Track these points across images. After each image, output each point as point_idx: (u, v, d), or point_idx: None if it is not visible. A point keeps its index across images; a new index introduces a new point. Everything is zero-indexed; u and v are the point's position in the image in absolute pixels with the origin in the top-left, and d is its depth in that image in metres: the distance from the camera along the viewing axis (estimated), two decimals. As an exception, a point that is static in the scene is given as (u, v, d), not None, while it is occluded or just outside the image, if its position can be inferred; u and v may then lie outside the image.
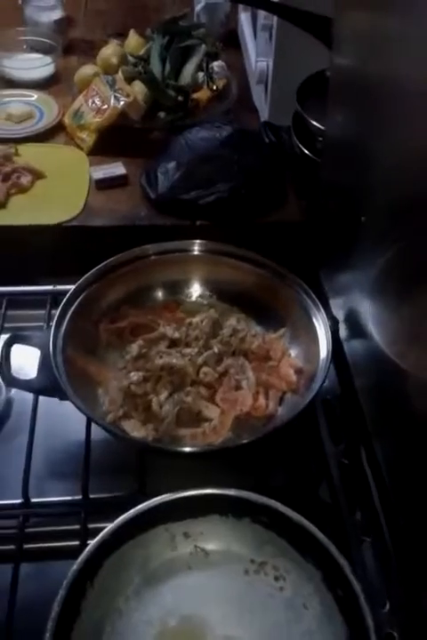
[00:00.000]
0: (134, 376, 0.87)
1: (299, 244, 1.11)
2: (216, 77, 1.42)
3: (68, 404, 0.82)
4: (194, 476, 0.76)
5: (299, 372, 0.91)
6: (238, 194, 1.15)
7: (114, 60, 1.41)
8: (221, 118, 1.30)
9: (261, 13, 1.30)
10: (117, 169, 1.23)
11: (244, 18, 1.57)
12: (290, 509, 0.70)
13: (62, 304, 0.91)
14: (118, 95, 1.29)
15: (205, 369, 0.90)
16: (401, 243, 0.73)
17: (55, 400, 0.84)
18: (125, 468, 0.83)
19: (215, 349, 0.92)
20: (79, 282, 0.94)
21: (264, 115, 1.35)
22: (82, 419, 0.84)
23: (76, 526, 0.78)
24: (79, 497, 0.80)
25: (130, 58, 1.42)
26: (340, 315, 0.95)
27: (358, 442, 0.86)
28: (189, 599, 0.69)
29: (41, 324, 0.99)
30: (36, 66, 1.48)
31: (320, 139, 1.11)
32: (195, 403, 0.86)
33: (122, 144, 1.29)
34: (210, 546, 0.73)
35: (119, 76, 1.35)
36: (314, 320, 0.92)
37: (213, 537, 0.73)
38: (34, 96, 1.42)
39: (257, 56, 1.36)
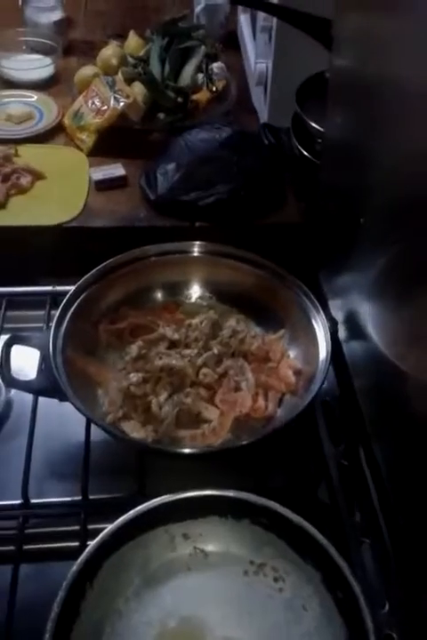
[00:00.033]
0: (134, 377, 0.87)
1: (298, 245, 1.11)
2: (216, 79, 1.42)
3: (67, 405, 0.82)
4: (193, 478, 0.77)
5: (298, 373, 0.91)
6: (238, 195, 1.15)
7: (114, 61, 1.42)
8: (220, 120, 1.31)
9: (261, 15, 1.31)
10: (117, 170, 1.23)
11: (243, 19, 1.58)
12: (289, 511, 0.70)
13: (62, 305, 0.91)
14: (118, 96, 1.29)
15: (204, 370, 0.90)
16: (400, 244, 0.74)
17: (55, 401, 0.84)
18: (125, 469, 0.83)
19: (215, 351, 0.92)
20: (79, 283, 0.94)
21: (263, 116, 1.35)
22: (81, 420, 0.84)
23: (76, 527, 0.78)
24: (79, 498, 0.80)
25: (130, 59, 1.42)
26: (339, 316, 0.95)
27: (358, 443, 0.86)
28: (188, 600, 0.69)
29: (41, 324, 0.99)
30: (36, 67, 1.49)
31: (320, 140, 1.11)
32: (194, 404, 0.87)
33: (121, 145, 1.29)
34: (209, 547, 0.73)
35: (119, 77, 1.36)
36: (313, 321, 0.92)
37: (213, 538, 0.73)
38: (34, 97, 1.42)
39: (256, 57, 1.36)
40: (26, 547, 0.77)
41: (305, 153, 1.16)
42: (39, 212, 1.15)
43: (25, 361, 0.90)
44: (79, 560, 0.66)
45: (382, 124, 0.77)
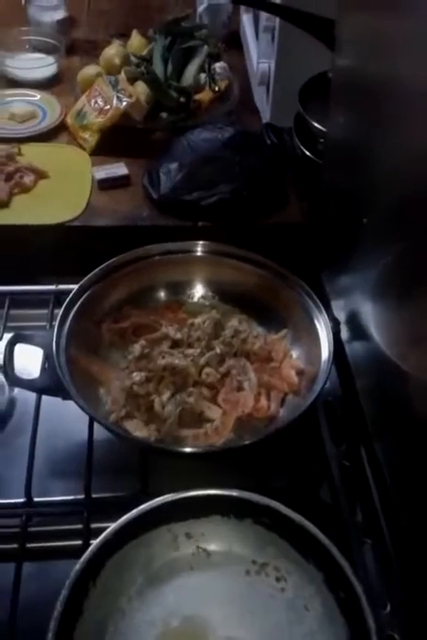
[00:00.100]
0: (137, 376, 0.87)
1: (301, 245, 1.11)
2: (218, 78, 1.42)
3: (70, 404, 0.82)
4: (196, 477, 0.77)
5: (300, 373, 0.91)
6: (240, 195, 1.15)
7: (116, 61, 1.42)
8: (222, 119, 1.31)
9: (264, 15, 1.30)
10: (120, 169, 1.23)
11: (246, 19, 1.58)
12: (292, 511, 0.71)
13: (65, 304, 0.92)
14: (121, 95, 1.30)
15: (207, 370, 0.90)
16: (403, 244, 0.74)
17: (58, 399, 0.85)
18: (128, 468, 0.83)
19: (217, 350, 0.92)
20: (82, 282, 0.95)
21: (266, 116, 1.35)
22: (84, 418, 0.84)
23: (79, 526, 0.78)
24: (82, 496, 0.80)
25: (132, 58, 1.42)
26: (341, 316, 0.95)
27: (359, 443, 0.86)
28: (191, 600, 0.70)
29: (44, 323, 1.00)
30: (39, 66, 1.49)
31: (322, 140, 1.11)
32: (197, 403, 0.87)
33: (124, 144, 1.29)
34: (212, 546, 0.73)
35: (122, 76, 1.36)
36: (316, 322, 0.92)
37: (215, 537, 0.73)
38: (37, 96, 1.42)
39: (259, 57, 1.36)
40: (29, 545, 0.77)
41: (307, 153, 1.16)
42: (42, 210, 1.15)
43: (28, 359, 0.90)
44: (82, 559, 0.66)
45: (384, 124, 0.77)
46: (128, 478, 0.82)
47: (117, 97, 1.29)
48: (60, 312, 0.91)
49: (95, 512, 0.79)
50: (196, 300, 1.03)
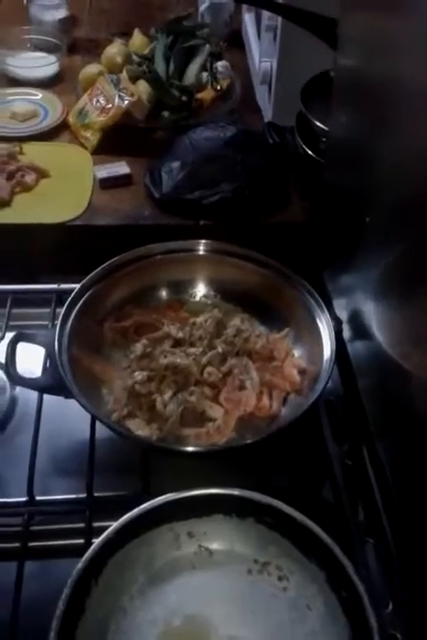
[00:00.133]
0: (139, 375, 0.87)
1: (302, 244, 1.11)
2: (220, 77, 1.42)
3: (72, 403, 0.82)
4: (198, 476, 0.77)
5: (303, 372, 0.91)
6: (242, 194, 1.15)
7: (118, 60, 1.42)
8: (224, 118, 1.30)
9: (266, 14, 1.31)
10: (121, 168, 1.23)
11: (248, 18, 1.58)
12: (294, 510, 0.71)
13: (67, 303, 0.91)
14: (123, 94, 1.30)
15: (209, 369, 0.90)
16: (406, 243, 0.74)
17: (60, 398, 0.85)
18: (130, 467, 0.83)
19: (219, 349, 0.92)
20: (84, 281, 0.95)
21: (268, 115, 1.35)
22: (86, 417, 0.84)
23: (81, 524, 0.78)
24: (84, 495, 0.80)
25: (134, 57, 1.42)
26: (343, 315, 0.95)
27: (361, 442, 0.86)
28: (193, 599, 0.70)
29: (46, 322, 1.00)
30: (41, 65, 1.49)
31: (324, 139, 1.11)
32: (199, 402, 0.87)
33: (126, 143, 1.29)
34: (214, 545, 0.73)
35: (124, 75, 1.36)
36: (318, 321, 0.92)
37: (217, 537, 0.73)
38: (38, 95, 1.42)
39: (261, 56, 1.36)
40: (31, 544, 0.77)
41: (310, 152, 1.16)
42: (44, 209, 1.16)
43: (30, 358, 0.90)
44: (84, 557, 0.66)
45: (387, 123, 0.77)
46: (130, 477, 0.82)
47: (119, 96, 1.29)
48: (61, 311, 0.91)
49: (97, 511, 0.79)
50: (198, 299, 1.03)
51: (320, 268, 1.05)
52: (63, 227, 1.13)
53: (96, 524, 0.77)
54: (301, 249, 1.09)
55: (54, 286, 1.05)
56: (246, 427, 0.86)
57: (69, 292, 0.94)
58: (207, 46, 1.43)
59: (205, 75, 1.41)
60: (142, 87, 1.34)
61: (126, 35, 1.53)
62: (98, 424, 0.85)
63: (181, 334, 0.94)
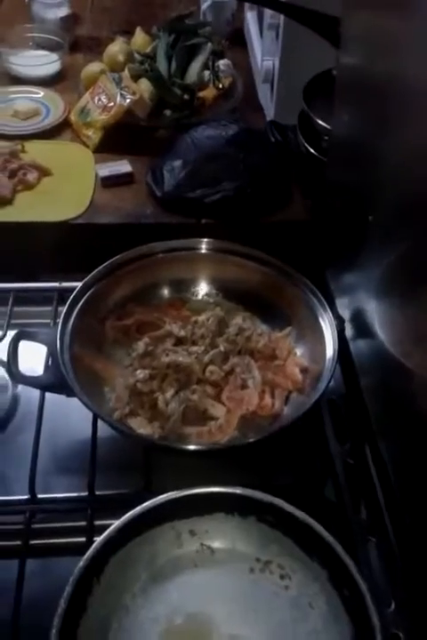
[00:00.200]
0: (141, 374, 0.87)
1: (304, 243, 1.11)
2: (222, 76, 1.42)
3: (74, 401, 0.82)
4: (200, 475, 0.77)
5: (305, 371, 0.91)
6: (244, 192, 1.15)
7: (120, 58, 1.41)
8: (226, 117, 1.30)
9: (268, 12, 1.30)
10: (123, 167, 1.23)
11: (250, 16, 1.58)
12: (296, 508, 0.70)
13: (69, 301, 0.91)
14: (124, 93, 1.29)
15: (211, 367, 0.90)
16: (409, 242, 0.74)
17: (62, 397, 0.85)
18: (131, 466, 0.83)
19: (221, 348, 0.92)
20: (86, 279, 0.95)
21: (270, 113, 1.35)
22: (88, 415, 0.84)
23: (83, 523, 0.78)
24: (85, 493, 0.80)
25: (136, 55, 1.42)
26: (346, 314, 0.95)
27: (364, 441, 0.86)
28: (194, 597, 0.70)
29: (48, 320, 1.00)
30: (43, 63, 1.48)
31: (326, 138, 1.11)
32: (201, 401, 0.87)
33: (128, 142, 1.29)
34: (216, 544, 0.73)
35: (125, 73, 1.35)
36: (320, 319, 0.92)
37: (219, 535, 0.73)
38: (40, 93, 1.42)
39: (263, 55, 1.36)
40: (32, 542, 0.77)
41: (312, 150, 1.16)
42: (45, 208, 1.15)
43: (32, 357, 0.90)
44: (86, 556, 0.66)
45: (389, 122, 0.77)
46: (132, 475, 0.82)
47: (121, 94, 1.29)
48: (63, 309, 0.91)
49: (99, 509, 0.79)
50: (200, 297, 1.03)
51: (323, 266, 1.05)
52: (65, 225, 1.13)
53: (98, 523, 0.77)
54: (303, 247, 1.09)
55: (56, 284, 1.05)
56: (248, 425, 0.86)
57: (71, 290, 0.94)
58: (209, 45, 1.42)
59: (207, 73, 1.41)
60: (144, 85, 1.34)
61: (128, 33, 1.53)
62: (100, 422, 0.85)
63: (182, 333, 0.94)
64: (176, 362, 0.88)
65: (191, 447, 0.83)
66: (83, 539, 0.75)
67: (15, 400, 0.93)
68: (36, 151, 1.26)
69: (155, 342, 0.92)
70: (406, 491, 0.76)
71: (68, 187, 1.20)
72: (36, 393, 0.89)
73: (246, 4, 1.60)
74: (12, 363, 0.85)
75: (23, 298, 1.04)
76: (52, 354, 0.89)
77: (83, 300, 0.92)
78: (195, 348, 0.92)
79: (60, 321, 0.89)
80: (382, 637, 0.62)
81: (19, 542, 0.76)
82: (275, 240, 1.10)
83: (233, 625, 0.68)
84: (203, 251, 1.03)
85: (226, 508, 0.73)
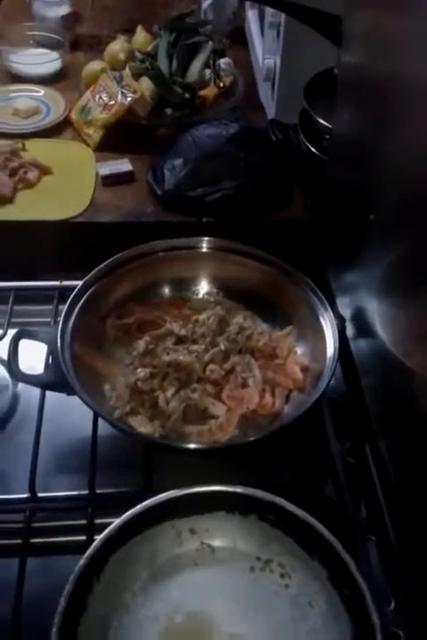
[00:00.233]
0: (141, 372, 0.87)
1: (305, 242, 1.11)
2: (223, 74, 1.42)
3: (74, 400, 0.82)
4: (200, 473, 0.77)
5: (305, 370, 0.91)
6: (245, 191, 1.15)
7: (121, 56, 1.41)
8: (227, 115, 1.30)
9: (269, 11, 1.30)
10: (124, 165, 1.23)
11: (251, 15, 1.57)
12: (296, 507, 0.70)
13: (70, 300, 0.91)
14: (125, 91, 1.29)
15: (211, 366, 0.90)
16: (410, 241, 0.73)
17: (62, 395, 0.85)
18: (132, 464, 0.83)
19: (222, 347, 0.92)
20: (86, 278, 0.95)
21: (271, 112, 1.35)
22: (89, 414, 0.84)
23: (83, 521, 0.78)
24: (86, 492, 0.80)
25: (137, 54, 1.42)
26: (347, 313, 0.95)
27: (364, 440, 0.86)
28: (195, 596, 0.70)
29: (48, 319, 1.00)
30: (44, 61, 1.48)
31: (327, 137, 1.11)
32: (201, 400, 0.87)
33: (128, 140, 1.29)
34: (216, 542, 0.73)
35: (126, 72, 1.35)
36: (321, 318, 0.92)
37: (220, 534, 0.73)
38: (41, 91, 1.42)
39: (264, 53, 1.36)
40: (33, 540, 0.77)
41: (313, 149, 1.16)
42: (46, 206, 1.15)
43: (33, 355, 0.90)
44: (86, 554, 0.66)
45: (391, 121, 0.77)
46: (132, 474, 0.82)
47: (122, 93, 1.29)
48: (64, 308, 0.91)
49: (99, 508, 0.79)
50: (200, 296, 1.03)
51: (323, 265, 1.05)
52: (65, 224, 1.13)
53: (98, 521, 0.77)
54: (304, 246, 1.09)
55: (56, 283, 1.05)
56: (249, 424, 0.86)
57: (72, 288, 0.94)
58: (210, 43, 1.42)
59: (207, 72, 1.41)
60: (145, 84, 1.34)
61: (129, 31, 1.53)
62: (100, 421, 0.85)
63: (183, 331, 0.94)
64: (177, 360, 0.88)
65: (192, 446, 0.83)
66: (83, 537, 0.75)
67: (15, 399, 0.93)
68: (37, 150, 1.26)
69: (155, 341, 0.92)
70: (407, 490, 0.76)
71: (68, 185, 1.20)
72: (36, 391, 0.89)
73: (247, 3, 1.60)
74: (12, 361, 0.85)
75: (24, 296, 1.04)
76: (52, 352, 0.89)
77: (83, 299, 0.92)
78: (195, 347, 0.91)
79: (61, 319, 0.89)
80: (382, 636, 0.62)
81: (19, 541, 0.76)
82: (276, 239, 1.10)
83: (233, 623, 0.67)
84: (203, 249, 1.03)
85: (227, 506, 0.73)
